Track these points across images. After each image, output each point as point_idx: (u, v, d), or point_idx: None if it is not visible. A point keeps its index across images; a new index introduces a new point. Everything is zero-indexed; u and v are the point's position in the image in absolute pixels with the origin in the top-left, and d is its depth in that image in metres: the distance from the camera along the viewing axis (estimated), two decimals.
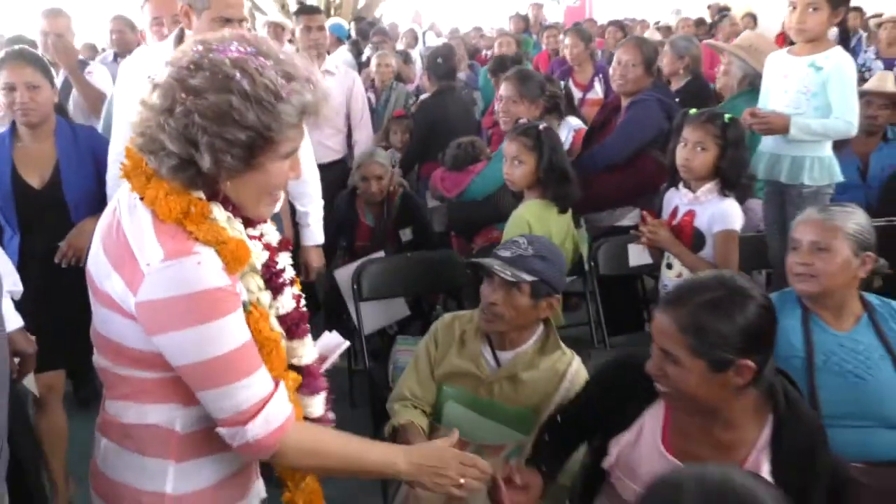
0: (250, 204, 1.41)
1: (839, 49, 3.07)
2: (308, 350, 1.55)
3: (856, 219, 2.09)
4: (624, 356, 1.86)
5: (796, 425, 1.59)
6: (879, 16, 8.12)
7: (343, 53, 6.93)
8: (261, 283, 1.45)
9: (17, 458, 1.73)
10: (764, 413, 1.61)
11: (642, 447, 1.68)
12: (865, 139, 3.94)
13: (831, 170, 3.08)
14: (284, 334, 1.49)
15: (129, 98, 2.37)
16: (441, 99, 4.65)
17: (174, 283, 1.29)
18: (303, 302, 1.57)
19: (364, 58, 6.94)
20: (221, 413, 1.37)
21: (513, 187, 2.96)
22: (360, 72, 5.91)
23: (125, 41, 4.68)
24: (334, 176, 4.07)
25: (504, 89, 3.48)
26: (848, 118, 2.97)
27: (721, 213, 2.68)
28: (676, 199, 2.82)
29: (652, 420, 1.70)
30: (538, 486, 1.75)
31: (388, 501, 2.35)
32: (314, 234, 3.13)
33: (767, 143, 3.11)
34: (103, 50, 6.31)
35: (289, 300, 1.52)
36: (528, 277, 2.04)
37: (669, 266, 2.80)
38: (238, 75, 1.26)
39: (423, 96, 5.32)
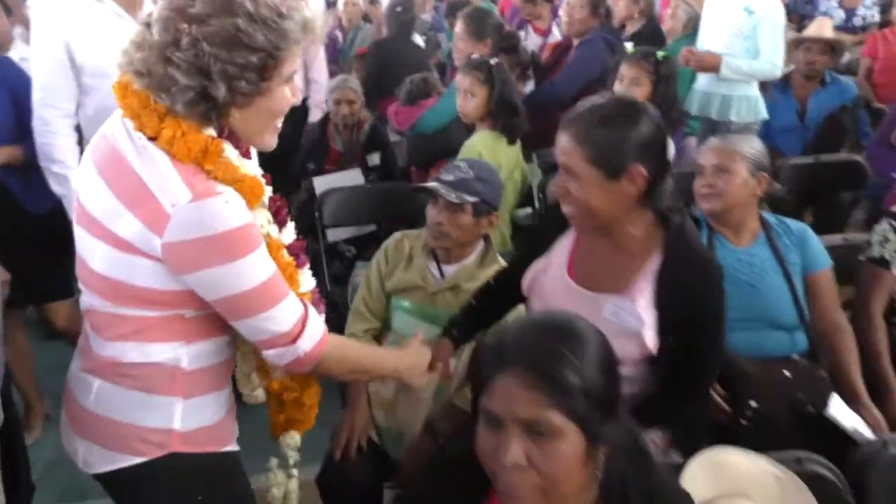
0: (258, 133, 1.40)
1: None
2: (307, 278, 1.58)
3: (751, 143, 2.34)
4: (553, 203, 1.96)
5: (686, 256, 1.67)
6: None
7: None
8: (269, 216, 1.49)
9: None
10: (657, 240, 1.69)
11: (551, 272, 1.80)
12: (805, 83, 4.18)
13: (757, 108, 3.34)
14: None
15: (50, 36, 2.42)
16: (394, 42, 4.82)
17: (204, 224, 1.29)
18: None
19: None
20: (265, 336, 1.41)
21: (465, 119, 3.16)
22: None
23: None
24: (295, 120, 3.92)
25: (457, 27, 3.67)
26: (774, 61, 3.22)
27: None
28: None
29: (562, 247, 1.81)
30: (448, 349, 1.96)
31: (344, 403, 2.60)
32: None
33: (701, 82, 3.36)
34: None
35: (291, 231, 1.56)
36: (471, 198, 2.26)
37: None
38: None
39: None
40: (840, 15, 6.80)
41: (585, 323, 1.21)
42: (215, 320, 1.44)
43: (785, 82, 4.22)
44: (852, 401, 2.17)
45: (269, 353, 1.43)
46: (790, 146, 4.17)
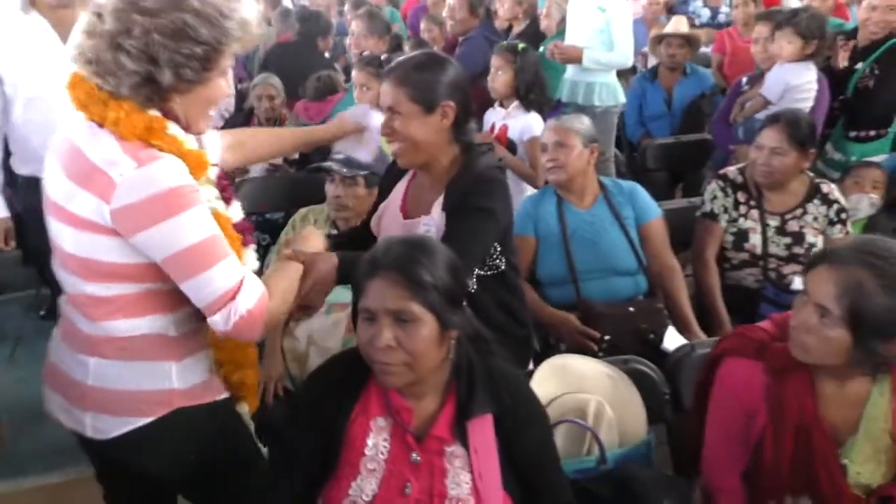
0: (196, 118, 1.53)
1: None
2: (251, 258, 1.67)
3: (581, 121, 2.76)
4: None
5: (471, 170, 1.89)
6: None
7: None
8: (216, 192, 1.60)
9: None
10: (457, 165, 1.93)
11: (388, 212, 2.05)
12: (669, 74, 4.71)
13: (616, 93, 3.81)
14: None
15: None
16: (293, 46, 5.09)
17: (147, 185, 1.39)
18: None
19: None
20: (210, 298, 1.46)
21: None
22: None
23: None
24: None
25: (354, 25, 4.03)
26: (626, 52, 3.69)
27: (528, 125, 3.38)
28: (493, 117, 3.49)
29: (397, 190, 2.06)
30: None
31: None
32: None
33: (568, 73, 3.81)
34: None
35: (237, 210, 1.67)
36: (362, 172, 2.62)
37: None
38: None
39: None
40: (706, 13, 7.47)
41: (435, 240, 1.58)
42: None
43: (653, 75, 4.75)
44: (684, 329, 2.62)
45: (215, 319, 1.48)
46: (660, 131, 4.69)
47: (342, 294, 2.59)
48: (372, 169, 2.62)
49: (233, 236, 1.57)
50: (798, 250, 2.78)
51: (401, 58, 1.97)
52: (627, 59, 3.73)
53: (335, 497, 1.50)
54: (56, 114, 2.32)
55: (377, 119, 2.01)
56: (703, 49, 6.88)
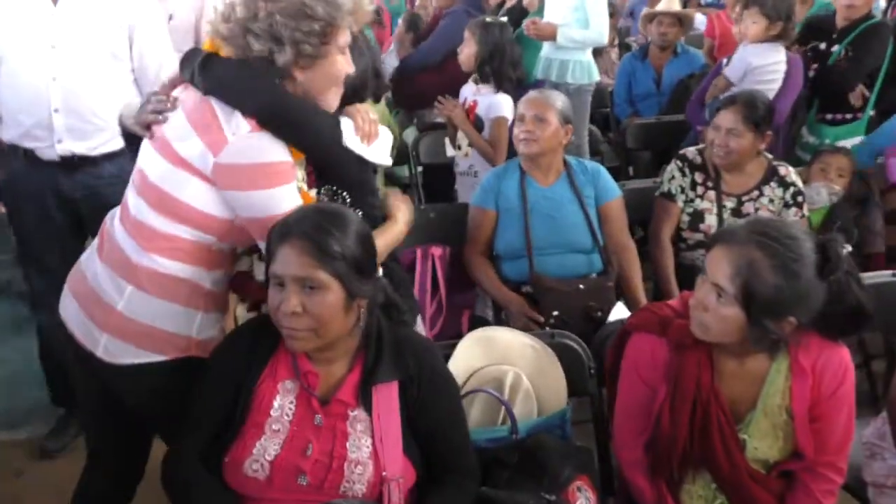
0: (322, 92, 1.68)
1: None
2: None
3: (562, 99, 2.78)
4: None
5: None
6: None
7: None
8: (304, 174, 1.78)
9: None
10: None
11: None
12: (659, 53, 4.68)
13: (590, 71, 3.82)
14: None
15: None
16: None
17: (256, 152, 1.57)
18: None
19: None
20: None
21: None
22: None
23: None
24: None
25: None
26: (600, 30, 3.69)
27: (496, 104, 3.40)
28: (466, 92, 3.51)
29: None
30: None
31: None
32: None
33: (544, 50, 3.82)
34: None
35: (313, 194, 1.81)
36: None
37: (458, 147, 3.48)
38: None
39: None
40: None
41: (349, 211, 1.63)
42: (234, 257, 1.77)
43: (643, 54, 4.73)
44: (633, 306, 2.64)
45: None
46: (648, 110, 4.67)
47: None
48: None
49: None
50: None
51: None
52: (602, 37, 3.73)
53: (239, 456, 1.56)
54: (33, 78, 2.38)
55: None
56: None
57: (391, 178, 4.52)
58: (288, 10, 1.56)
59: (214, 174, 1.58)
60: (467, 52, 3.38)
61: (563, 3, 3.73)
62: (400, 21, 5.33)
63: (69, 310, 1.76)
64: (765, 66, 3.46)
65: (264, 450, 1.55)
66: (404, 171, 4.16)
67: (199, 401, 1.62)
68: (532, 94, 2.82)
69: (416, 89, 4.05)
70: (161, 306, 1.66)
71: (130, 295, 1.66)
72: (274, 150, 1.59)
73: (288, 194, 1.62)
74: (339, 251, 1.48)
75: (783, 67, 3.50)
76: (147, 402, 1.75)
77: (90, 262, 1.77)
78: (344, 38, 1.65)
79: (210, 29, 1.66)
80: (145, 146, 1.73)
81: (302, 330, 1.51)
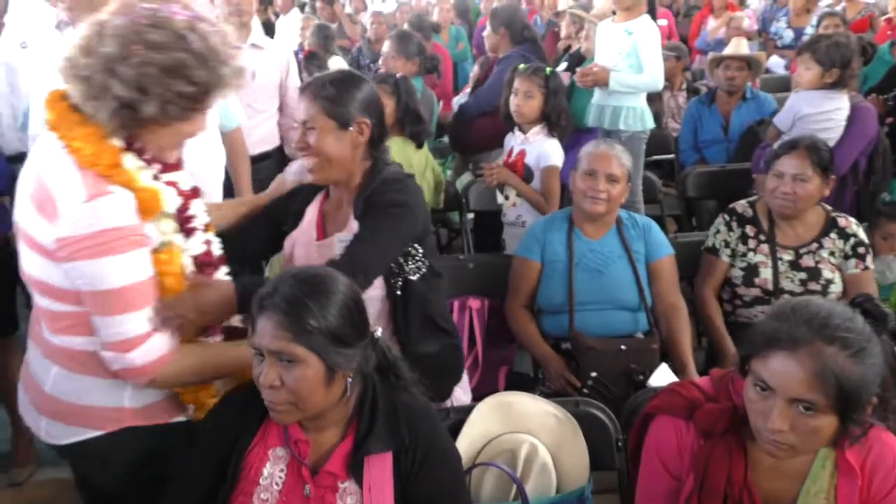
0: (169, 149, 1.56)
1: (647, 17, 3.66)
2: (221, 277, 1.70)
3: (627, 155, 2.64)
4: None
5: (374, 178, 1.91)
6: None
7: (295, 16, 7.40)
8: (174, 226, 1.58)
9: None
10: (368, 177, 1.93)
11: (302, 238, 1.99)
12: (727, 99, 4.51)
13: (643, 118, 3.67)
14: (195, 270, 1.63)
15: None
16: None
17: (88, 221, 1.42)
18: (216, 246, 1.71)
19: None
20: (110, 337, 1.49)
21: None
22: None
23: None
24: (269, 171, 3.17)
25: (386, 47, 4.05)
26: (655, 75, 3.55)
27: (545, 152, 3.27)
28: (512, 141, 3.41)
29: (309, 215, 2.01)
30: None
31: None
32: None
33: (596, 97, 3.69)
34: None
35: (198, 243, 1.65)
36: None
37: (507, 197, 3.38)
38: (190, 36, 1.42)
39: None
40: (790, 35, 7.11)
41: (337, 276, 1.50)
42: None
43: (711, 98, 4.56)
44: (681, 370, 2.47)
45: (106, 355, 1.52)
46: (716, 157, 4.49)
47: None
48: None
49: (175, 273, 1.56)
50: (814, 287, 2.60)
51: (319, 73, 1.96)
52: (657, 82, 3.59)
53: None
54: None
55: None
56: (785, 72, 6.58)
57: (445, 224, 4.47)
58: (166, 66, 1.41)
59: (55, 249, 1.45)
60: (532, 104, 3.25)
61: (614, 49, 3.61)
62: (476, 66, 5.32)
63: (22, 398, 1.71)
64: (814, 114, 3.27)
65: None
66: (456, 216, 4.09)
67: (184, 467, 1.55)
68: (603, 148, 2.67)
69: (473, 134, 4.00)
70: (84, 382, 1.58)
71: (56, 375, 1.59)
72: (110, 214, 1.44)
73: (127, 264, 1.46)
74: (315, 325, 1.39)
75: (841, 115, 3.29)
76: (100, 479, 1.68)
77: (29, 348, 1.70)
78: (214, 102, 1.53)
79: (64, 65, 1.45)
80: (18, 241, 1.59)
81: (280, 403, 1.43)
